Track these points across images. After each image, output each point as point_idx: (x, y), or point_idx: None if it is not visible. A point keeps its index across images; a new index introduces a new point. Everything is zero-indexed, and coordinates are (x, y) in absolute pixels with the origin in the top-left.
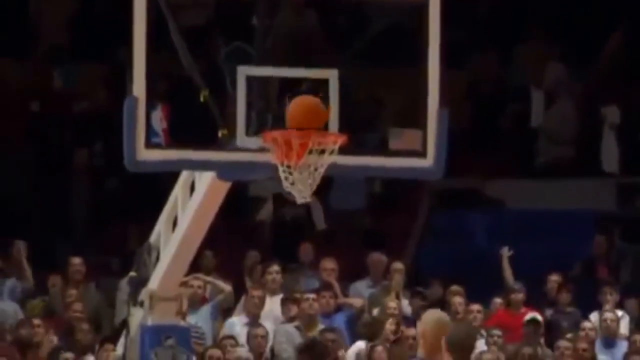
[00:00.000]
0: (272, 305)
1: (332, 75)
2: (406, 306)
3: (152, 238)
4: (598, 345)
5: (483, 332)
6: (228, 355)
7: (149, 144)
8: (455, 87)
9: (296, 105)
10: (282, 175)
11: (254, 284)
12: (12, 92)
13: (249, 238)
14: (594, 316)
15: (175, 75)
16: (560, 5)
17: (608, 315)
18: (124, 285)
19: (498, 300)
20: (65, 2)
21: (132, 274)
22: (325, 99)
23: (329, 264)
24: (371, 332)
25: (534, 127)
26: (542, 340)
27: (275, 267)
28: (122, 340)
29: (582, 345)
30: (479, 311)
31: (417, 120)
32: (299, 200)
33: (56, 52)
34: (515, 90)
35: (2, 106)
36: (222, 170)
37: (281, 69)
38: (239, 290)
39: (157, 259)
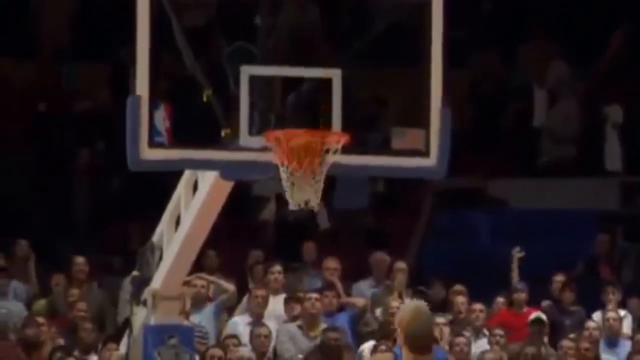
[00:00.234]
0: (275, 304)
1: (335, 74)
2: None
3: (155, 237)
4: (601, 345)
5: (485, 331)
6: (231, 354)
7: (151, 143)
8: (458, 87)
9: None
10: (282, 175)
11: (257, 283)
12: (15, 92)
13: (252, 237)
14: (596, 316)
15: (178, 75)
16: (563, 4)
17: (611, 314)
18: (126, 284)
19: (501, 300)
20: (67, 2)
21: (135, 273)
22: (328, 98)
23: (331, 264)
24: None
25: (536, 126)
26: (545, 340)
27: (278, 267)
28: (125, 339)
29: (585, 344)
30: (481, 310)
31: (420, 119)
32: (293, 206)
33: (58, 51)
34: (517, 89)
35: (4, 106)
36: (224, 169)
37: (284, 68)
38: (242, 289)
39: (160, 258)
